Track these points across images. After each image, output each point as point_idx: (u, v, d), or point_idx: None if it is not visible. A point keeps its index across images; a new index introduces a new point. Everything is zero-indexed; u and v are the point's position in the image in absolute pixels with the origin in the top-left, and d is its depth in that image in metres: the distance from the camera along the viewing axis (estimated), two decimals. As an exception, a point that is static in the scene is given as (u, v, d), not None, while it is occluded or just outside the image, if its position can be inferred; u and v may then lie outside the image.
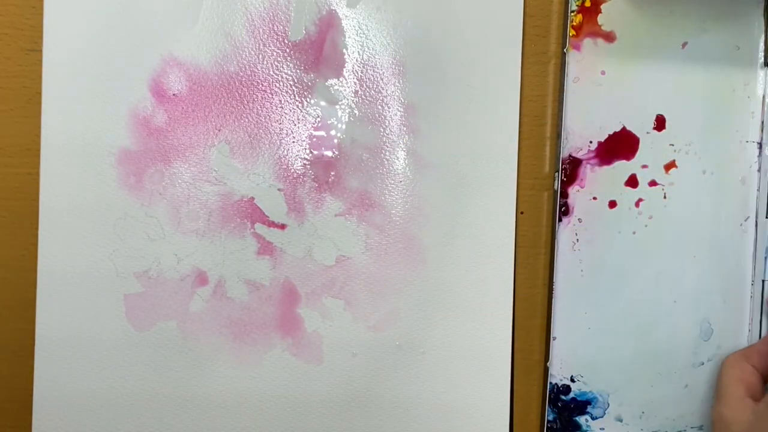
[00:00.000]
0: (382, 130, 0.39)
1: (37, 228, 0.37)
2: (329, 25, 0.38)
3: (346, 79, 0.38)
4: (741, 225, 0.41)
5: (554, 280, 0.39)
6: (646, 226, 0.40)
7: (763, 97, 0.41)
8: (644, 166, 0.40)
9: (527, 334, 0.40)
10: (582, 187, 0.40)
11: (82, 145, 0.37)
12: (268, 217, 0.38)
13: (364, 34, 0.39)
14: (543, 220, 0.40)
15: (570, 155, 0.39)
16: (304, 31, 0.38)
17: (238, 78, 0.38)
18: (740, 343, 0.41)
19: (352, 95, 0.38)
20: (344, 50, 0.38)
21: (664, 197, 0.40)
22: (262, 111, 0.38)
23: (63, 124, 0.37)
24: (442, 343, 0.39)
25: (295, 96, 0.38)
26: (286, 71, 0.38)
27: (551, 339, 0.39)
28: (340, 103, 0.38)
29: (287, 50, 0.38)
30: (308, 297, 0.38)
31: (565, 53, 0.39)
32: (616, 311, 0.40)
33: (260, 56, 0.38)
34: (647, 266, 0.40)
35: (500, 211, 0.39)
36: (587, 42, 0.39)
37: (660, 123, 0.40)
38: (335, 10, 0.38)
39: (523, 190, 0.40)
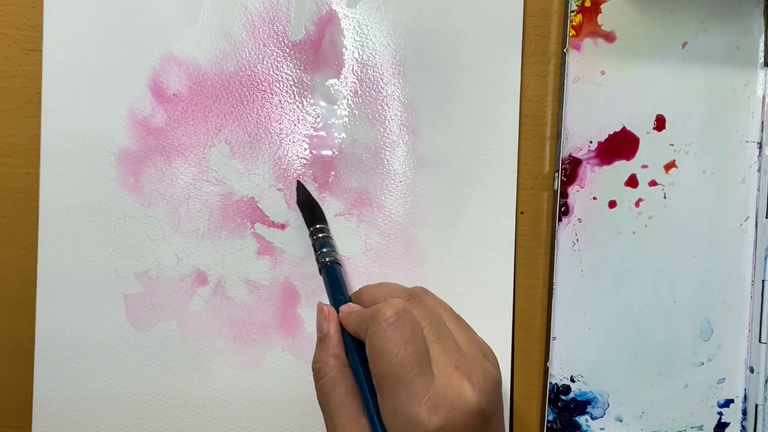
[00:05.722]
0: (382, 130, 0.39)
1: (37, 228, 0.37)
2: (329, 24, 0.38)
3: (346, 79, 0.38)
4: (741, 225, 0.41)
5: (554, 280, 0.39)
6: (646, 226, 0.40)
7: (763, 97, 0.41)
8: (644, 166, 0.40)
9: (527, 334, 0.40)
10: (582, 187, 0.40)
11: (82, 145, 0.37)
12: (268, 217, 0.38)
13: (364, 33, 0.39)
14: (543, 220, 0.40)
15: (570, 155, 0.39)
16: (304, 31, 0.38)
17: (238, 78, 0.38)
18: (740, 343, 0.41)
19: (352, 95, 0.38)
20: (344, 50, 0.38)
21: (664, 197, 0.40)
22: (262, 111, 0.38)
23: (63, 124, 0.37)
24: (442, 343, 0.39)
25: (294, 96, 0.38)
26: (285, 71, 0.38)
27: (551, 339, 0.39)
28: (339, 103, 0.38)
29: (287, 50, 0.38)
30: (308, 297, 0.38)
31: (565, 53, 0.39)
32: (616, 311, 0.40)
33: (260, 56, 0.38)
34: (647, 266, 0.40)
35: (500, 211, 0.39)
36: (587, 42, 0.39)
37: (660, 123, 0.40)
38: (335, 9, 0.38)
39: (523, 190, 0.40)
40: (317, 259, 0.36)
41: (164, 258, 0.37)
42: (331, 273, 0.35)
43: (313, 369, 0.32)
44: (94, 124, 0.37)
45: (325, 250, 0.36)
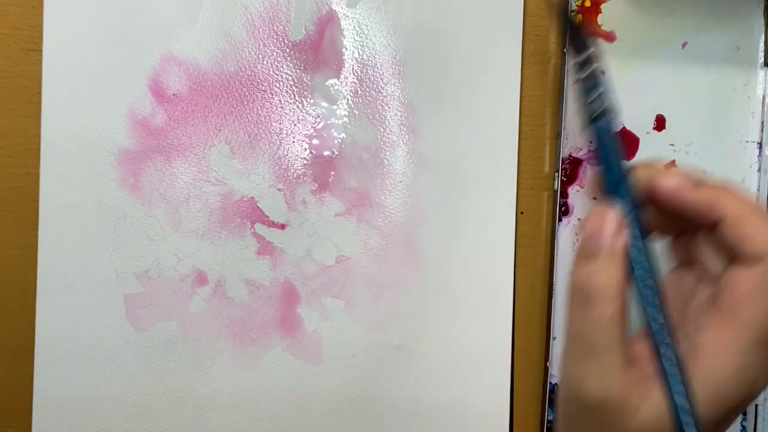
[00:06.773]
0: (382, 130, 0.39)
1: (37, 228, 0.37)
2: (329, 24, 0.38)
3: (346, 79, 0.38)
4: (741, 225, 0.41)
5: (554, 280, 0.39)
6: (646, 226, 0.40)
7: (763, 97, 0.41)
8: (644, 166, 0.40)
9: (527, 334, 0.40)
10: (582, 187, 0.40)
11: (82, 145, 0.37)
12: (268, 217, 0.38)
13: (364, 33, 0.39)
14: (543, 220, 0.40)
15: (570, 155, 0.39)
16: (304, 31, 0.38)
17: (238, 78, 0.38)
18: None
19: (352, 95, 0.38)
20: (344, 50, 0.38)
21: (664, 197, 0.40)
22: (262, 111, 0.38)
23: (63, 124, 0.37)
24: (442, 343, 0.39)
25: (294, 96, 0.38)
26: (285, 71, 0.38)
27: (551, 339, 0.39)
28: (339, 103, 0.38)
29: (287, 50, 0.38)
30: (308, 297, 0.38)
31: (565, 53, 0.39)
32: (616, 311, 0.40)
33: (260, 56, 0.38)
34: (647, 266, 0.40)
35: (500, 211, 0.39)
36: (587, 42, 0.39)
37: (660, 123, 0.40)
38: (335, 9, 0.38)
39: (523, 190, 0.40)
40: (588, 105, 0.25)
41: (164, 258, 0.37)
42: (610, 136, 0.24)
43: (596, 287, 0.22)
44: (94, 124, 0.37)
45: (598, 92, 0.25)
